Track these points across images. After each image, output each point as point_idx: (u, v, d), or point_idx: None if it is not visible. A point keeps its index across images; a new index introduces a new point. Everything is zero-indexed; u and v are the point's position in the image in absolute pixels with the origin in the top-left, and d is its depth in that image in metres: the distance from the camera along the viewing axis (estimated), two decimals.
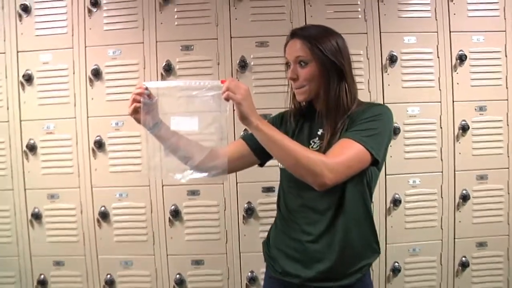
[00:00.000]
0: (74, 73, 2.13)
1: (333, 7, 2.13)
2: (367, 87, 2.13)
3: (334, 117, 1.22)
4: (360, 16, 2.13)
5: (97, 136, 2.13)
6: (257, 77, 2.12)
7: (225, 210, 2.13)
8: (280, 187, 1.37)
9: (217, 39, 2.12)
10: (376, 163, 1.18)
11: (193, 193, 2.12)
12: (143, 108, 1.16)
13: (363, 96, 2.06)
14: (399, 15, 2.14)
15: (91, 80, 2.13)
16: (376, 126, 1.18)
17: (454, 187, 2.15)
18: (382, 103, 1.30)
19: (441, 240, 2.16)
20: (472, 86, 2.14)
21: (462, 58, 2.11)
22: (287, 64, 1.27)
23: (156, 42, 2.13)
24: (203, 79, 1.80)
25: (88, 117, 2.14)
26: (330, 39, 1.23)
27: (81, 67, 2.13)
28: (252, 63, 2.11)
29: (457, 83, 2.14)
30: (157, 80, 2.09)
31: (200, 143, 1.28)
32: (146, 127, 1.19)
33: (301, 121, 1.34)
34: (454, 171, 2.15)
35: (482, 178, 2.15)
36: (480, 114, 2.14)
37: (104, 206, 2.13)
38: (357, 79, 2.04)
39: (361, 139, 1.14)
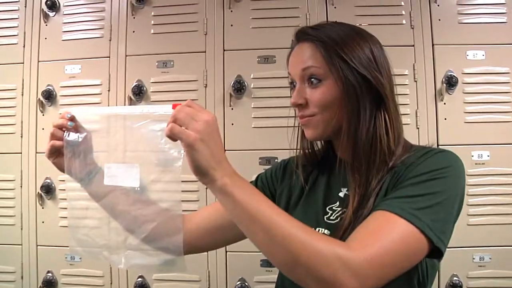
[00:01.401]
0: (23, 95, 1.65)
1: (366, 9, 1.54)
2: (415, 121, 1.51)
3: (366, 170, 0.74)
4: (404, 22, 1.52)
5: (46, 179, 1.62)
6: (258, 104, 1.55)
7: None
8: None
9: (205, 52, 1.58)
10: (437, 253, 0.66)
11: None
12: (67, 149, 0.77)
13: (408, 134, 1.47)
14: (460, 20, 1.51)
15: (42, 104, 1.63)
16: (438, 189, 0.67)
17: None
18: (442, 148, 0.74)
19: None
20: None
21: None
22: (292, 84, 0.81)
23: (126, 56, 1.61)
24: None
25: (37, 152, 1.64)
26: (361, 44, 0.76)
27: (32, 87, 1.65)
28: (252, 85, 1.55)
29: None
30: (122, 105, 1.56)
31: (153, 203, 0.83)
32: (72, 177, 0.79)
33: (314, 173, 0.86)
34: None
35: None
36: None
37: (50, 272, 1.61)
38: (401, 110, 1.51)
39: (412, 214, 0.64)
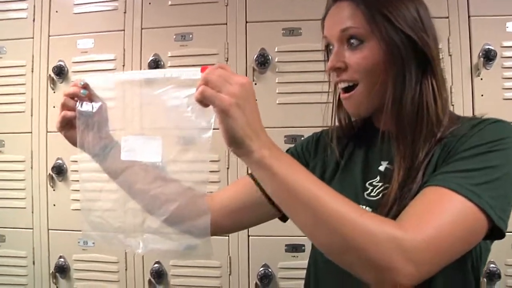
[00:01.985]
0: (32, 71, 1.57)
1: None
2: (450, 97, 1.41)
3: (412, 141, 0.67)
4: None
5: (58, 159, 1.54)
6: (283, 79, 1.46)
7: (230, 274, 1.46)
8: (312, 256, 0.79)
9: (226, 24, 1.49)
10: (497, 234, 0.59)
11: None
12: (80, 120, 0.69)
13: None
14: None
15: (53, 81, 1.55)
16: (496, 163, 0.60)
17: None
18: (495, 118, 0.66)
19: None
20: None
21: None
22: (327, 48, 0.74)
23: (141, 29, 1.52)
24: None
25: (47, 132, 1.56)
26: (406, 2, 0.68)
27: (42, 63, 1.56)
28: (276, 59, 1.46)
29: None
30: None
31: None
32: (86, 151, 0.72)
33: (350, 147, 0.79)
34: None
35: None
36: None
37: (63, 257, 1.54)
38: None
39: (470, 190, 0.57)
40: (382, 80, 0.69)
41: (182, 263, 1.48)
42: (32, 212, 1.56)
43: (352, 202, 0.57)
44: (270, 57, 1.45)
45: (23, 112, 1.57)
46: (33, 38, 1.57)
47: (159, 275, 1.47)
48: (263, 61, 1.45)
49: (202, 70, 0.59)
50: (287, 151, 0.86)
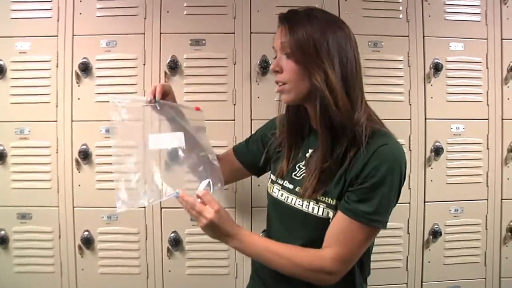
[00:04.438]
0: (57, 66, 1.74)
1: (371, 4, 1.82)
2: (408, 99, 1.82)
3: (326, 135, 1.01)
4: (401, 16, 1.82)
5: (83, 145, 1.74)
6: None
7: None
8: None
9: (234, 33, 1.78)
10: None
11: None
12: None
13: (403, 110, 1.81)
14: (445, 17, 1.84)
15: (78, 76, 1.74)
16: (390, 188, 0.96)
17: (500, 217, 1.87)
18: (388, 140, 0.99)
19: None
20: None
21: None
22: (275, 57, 1.09)
23: (160, 33, 1.76)
24: (215, 80, 1.70)
25: (72, 121, 1.75)
26: (318, 28, 0.98)
27: (66, 60, 1.74)
28: None
29: (508, 98, 1.86)
30: (160, 79, 1.73)
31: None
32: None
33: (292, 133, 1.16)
34: (501, 199, 1.86)
35: None
36: None
37: (87, 231, 1.75)
38: (396, 89, 1.81)
39: (375, 220, 0.96)
40: (304, 86, 1.00)
41: (197, 231, 1.76)
42: (58, 191, 1.74)
43: (291, 250, 1.02)
44: (270, 62, 1.76)
45: (49, 103, 1.74)
46: (57, 36, 1.74)
47: (176, 242, 1.74)
48: (265, 66, 1.76)
49: (196, 109, 1.17)
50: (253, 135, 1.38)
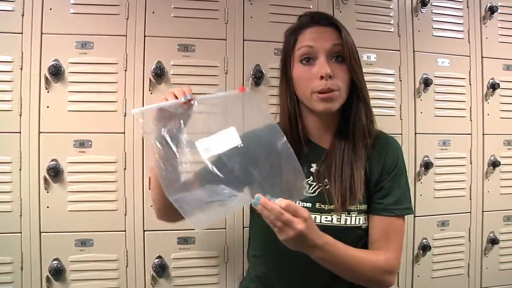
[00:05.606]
0: (21, 69, 1.49)
1: (364, 16, 1.79)
2: (399, 113, 1.81)
3: (359, 143, 1.00)
4: (393, 30, 1.82)
5: (52, 161, 1.51)
6: (274, 92, 1.68)
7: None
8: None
9: (226, 40, 1.65)
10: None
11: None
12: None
13: (395, 125, 1.80)
14: (434, 33, 1.87)
15: (47, 81, 1.51)
16: (406, 176, 1.04)
17: (482, 229, 1.92)
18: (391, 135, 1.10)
19: None
20: (501, 118, 1.95)
21: (494, 87, 1.90)
22: (305, 59, 0.97)
23: (145, 36, 1.58)
24: (205, 90, 1.54)
25: (40, 132, 1.51)
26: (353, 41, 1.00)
27: (33, 61, 1.50)
28: (268, 75, 1.67)
29: (488, 114, 1.93)
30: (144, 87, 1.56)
31: None
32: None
33: None
34: (482, 211, 1.92)
35: (508, 219, 1.95)
36: (508, 149, 1.95)
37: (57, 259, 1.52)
38: (388, 103, 1.81)
39: (407, 211, 1.01)
40: (347, 92, 0.98)
41: (183, 256, 1.60)
42: (21, 215, 1.49)
43: (361, 255, 0.94)
44: (265, 73, 1.66)
45: (10, 111, 1.49)
46: (22, 33, 1.50)
47: (162, 268, 1.57)
48: (259, 76, 1.65)
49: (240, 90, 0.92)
50: None
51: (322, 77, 0.93)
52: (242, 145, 0.88)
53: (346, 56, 0.95)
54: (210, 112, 0.93)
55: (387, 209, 0.98)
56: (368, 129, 1.00)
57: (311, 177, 1.00)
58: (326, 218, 0.97)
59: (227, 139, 0.90)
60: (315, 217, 0.98)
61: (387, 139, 1.05)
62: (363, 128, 0.99)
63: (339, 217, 0.96)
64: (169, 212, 0.90)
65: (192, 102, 0.88)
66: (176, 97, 0.87)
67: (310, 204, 0.98)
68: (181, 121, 0.87)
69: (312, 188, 0.99)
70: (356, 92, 0.99)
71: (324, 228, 0.93)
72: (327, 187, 0.98)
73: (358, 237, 1.00)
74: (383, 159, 1.00)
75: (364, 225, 0.99)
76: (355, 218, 0.98)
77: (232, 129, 0.90)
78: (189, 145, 0.87)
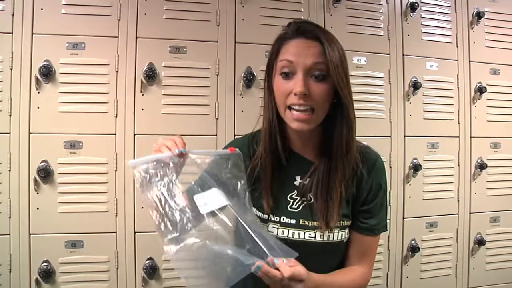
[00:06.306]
0: (11, 69, 1.48)
1: (355, 20, 1.81)
2: (388, 116, 1.84)
3: (345, 159, 0.96)
4: (382, 34, 1.84)
5: (43, 162, 1.50)
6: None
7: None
8: None
9: (217, 42, 1.66)
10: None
11: None
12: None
13: (384, 128, 1.83)
14: (423, 37, 1.90)
15: (38, 82, 1.50)
16: (387, 196, 1.06)
17: (469, 230, 1.95)
18: (374, 151, 1.05)
19: None
20: (488, 121, 1.98)
21: (481, 91, 1.94)
22: (284, 73, 0.91)
23: (136, 38, 1.58)
24: (197, 91, 1.56)
25: (30, 133, 1.50)
26: (345, 65, 0.93)
27: (23, 62, 1.49)
28: (260, 78, 1.68)
29: (475, 117, 1.96)
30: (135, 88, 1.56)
31: None
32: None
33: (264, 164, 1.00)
34: (470, 213, 1.95)
35: (495, 220, 1.99)
36: (494, 151, 1.99)
37: (47, 261, 1.51)
38: (377, 106, 1.83)
39: (385, 229, 1.04)
40: (324, 114, 0.92)
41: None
42: (10, 216, 1.48)
43: (343, 276, 0.98)
44: (255, 76, 1.67)
45: (0, 111, 1.48)
46: (12, 33, 1.49)
47: (152, 270, 1.57)
48: (250, 78, 1.66)
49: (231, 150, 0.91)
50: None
51: (296, 94, 0.89)
52: (230, 204, 0.88)
53: (331, 73, 0.89)
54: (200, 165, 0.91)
55: (370, 229, 1.01)
56: (348, 149, 0.95)
57: (295, 191, 0.98)
58: (310, 234, 0.96)
59: (218, 200, 0.90)
60: (299, 233, 0.97)
61: (375, 159, 1.02)
62: (344, 148, 0.95)
63: (322, 234, 0.96)
64: None
65: (185, 157, 0.87)
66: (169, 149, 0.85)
67: (294, 221, 0.98)
68: (173, 174, 0.85)
69: (296, 203, 0.98)
70: (341, 109, 0.94)
71: (307, 244, 0.95)
72: (311, 202, 0.97)
73: (338, 250, 1.01)
74: (371, 180, 0.99)
75: (345, 239, 1.00)
76: (338, 234, 0.97)
77: (219, 191, 0.89)
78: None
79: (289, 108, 0.90)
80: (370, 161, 1.00)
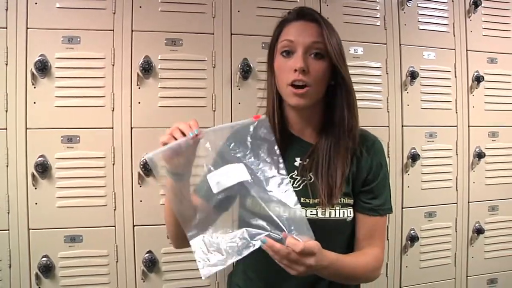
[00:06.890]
0: (7, 64, 1.48)
1: (351, 10, 1.80)
2: (386, 106, 1.83)
3: (346, 138, 1.01)
4: (379, 23, 1.83)
5: (40, 157, 1.50)
6: (262, 86, 1.69)
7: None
8: None
9: (213, 34, 1.65)
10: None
11: None
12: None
13: (382, 117, 1.82)
14: (419, 26, 1.89)
15: (34, 76, 1.49)
16: (389, 177, 1.08)
17: (468, 219, 1.96)
18: (373, 135, 1.10)
19: None
20: (485, 110, 1.98)
21: (479, 80, 1.93)
22: (285, 52, 0.98)
23: (132, 31, 1.58)
24: (193, 84, 1.56)
25: (27, 128, 1.50)
26: (338, 39, 1.01)
27: (19, 56, 1.49)
28: (257, 69, 1.68)
29: (473, 106, 1.96)
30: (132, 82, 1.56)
31: None
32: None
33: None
34: (468, 202, 1.96)
35: (493, 209, 1.99)
36: (492, 140, 1.99)
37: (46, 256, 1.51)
38: (375, 96, 1.83)
39: (390, 211, 1.06)
40: (321, 91, 0.99)
41: (173, 250, 1.59)
42: (8, 212, 1.48)
43: (355, 260, 0.98)
44: (252, 67, 1.66)
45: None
46: (6, 28, 1.48)
47: (152, 263, 1.57)
48: (247, 70, 1.65)
49: (255, 117, 0.91)
50: None
51: (295, 70, 0.95)
52: (251, 180, 0.89)
53: (329, 51, 0.95)
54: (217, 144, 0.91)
55: (374, 209, 1.03)
56: (350, 128, 1.00)
57: (295, 171, 1.01)
58: (311, 212, 0.98)
59: (237, 173, 0.89)
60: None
61: (374, 140, 1.07)
62: (346, 127, 1.00)
63: (323, 210, 0.98)
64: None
65: (200, 136, 0.86)
66: (182, 132, 0.86)
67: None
68: (190, 156, 0.87)
69: (297, 182, 1.00)
70: (341, 90, 1.00)
71: (310, 222, 0.94)
72: (312, 181, 0.99)
73: (342, 229, 1.02)
74: (371, 159, 1.03)
75: (349, 218, 1.01)
76: (339, 211, 0.99)
77: (241, 165, 0.90)
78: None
79: (290, 86, 0.96)
80: (369, 141, 1.04)
